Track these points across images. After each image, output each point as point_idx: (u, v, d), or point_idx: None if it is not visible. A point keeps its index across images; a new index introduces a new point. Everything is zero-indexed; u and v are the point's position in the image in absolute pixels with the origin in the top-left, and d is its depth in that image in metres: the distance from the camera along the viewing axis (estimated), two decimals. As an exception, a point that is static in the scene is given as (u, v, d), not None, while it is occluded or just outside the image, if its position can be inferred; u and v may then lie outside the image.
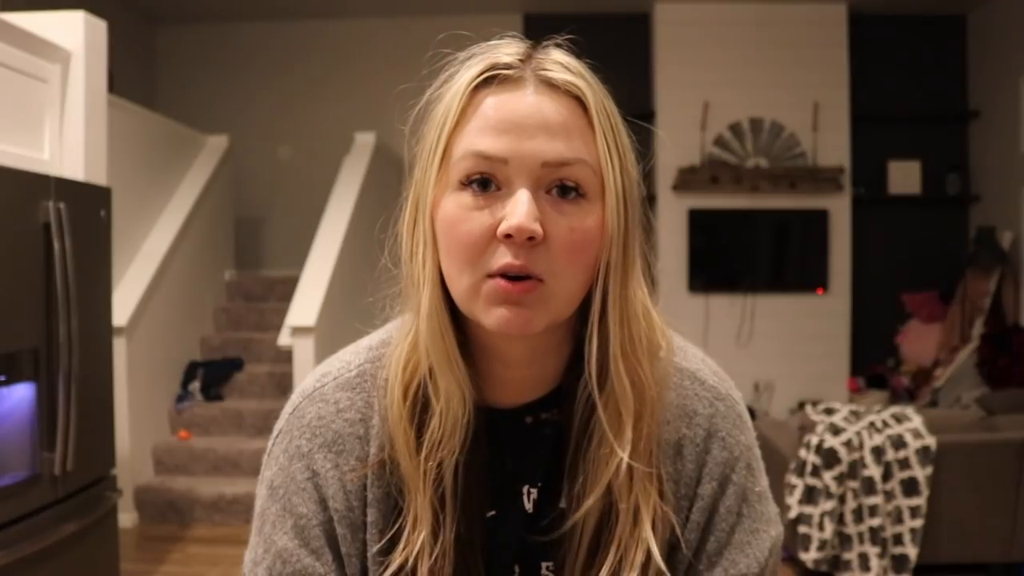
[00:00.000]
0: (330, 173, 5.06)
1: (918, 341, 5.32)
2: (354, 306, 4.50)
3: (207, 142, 5.44)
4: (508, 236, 0.64)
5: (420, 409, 0.72)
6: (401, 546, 0.71)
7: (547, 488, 0.75)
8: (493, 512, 0.75)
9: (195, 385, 4.80)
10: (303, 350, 4.02)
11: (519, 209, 0.64)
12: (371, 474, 0.74)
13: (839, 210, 5.34)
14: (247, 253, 5.99)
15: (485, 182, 0.66)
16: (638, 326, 0.70)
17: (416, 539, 0.70)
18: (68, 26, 2.81)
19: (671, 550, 0.73)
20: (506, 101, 0.66)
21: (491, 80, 0.67)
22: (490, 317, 0.66)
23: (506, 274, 0.65)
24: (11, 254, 2.33)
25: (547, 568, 0.75)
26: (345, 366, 0.78)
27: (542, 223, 0.65)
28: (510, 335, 0.67)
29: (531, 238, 0.64)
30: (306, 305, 4.10)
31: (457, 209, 0.66)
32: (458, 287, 0.68)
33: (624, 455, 0.68)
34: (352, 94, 5.74)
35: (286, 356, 4.59)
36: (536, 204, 0.65)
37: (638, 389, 0.69)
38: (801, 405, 5.05)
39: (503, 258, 0.65)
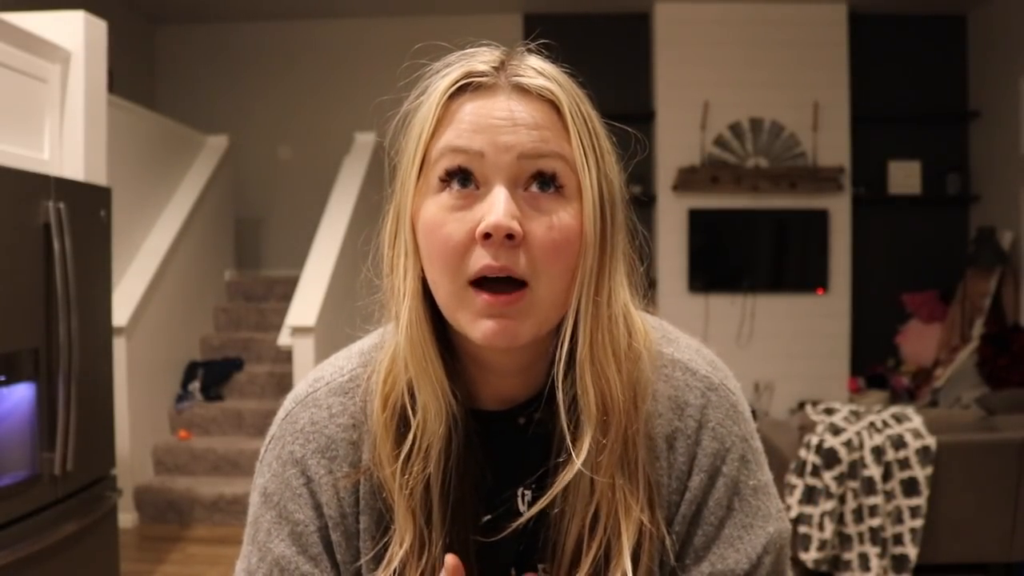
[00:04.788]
0: (330, 173, 5.07)
1: (918, 341, 5.32)
2: (354, 306, 4.49)
3: (207, 142, 5.44)
4: (487, 236, 0.63)
5: (400, 422, 0.72)
6: (385, 560, 0.71)
7: (541, 489, 0.73)
8: (488, 516, 0.74)
9: (195, 385, 4.80)
10: (303, 350, 4.02)
11: (496, 207, 0.63)
12: (363, 480, 0.73)
13: (839, 210, 5.34)
14: (247, 253, 6.00)
15: (464, 178, 0.65)
16: (613, 333, 0.68)
17: (397, 552, 0.70)
18: (68, 26, 2.81)
19: (660, 544, 0.72)
20: (481, 106, 0.66)
21: (466, 87, 0.67)
22: (476, 331, 0.66)
23: (487, 278, 0.64)
24: (11, 254, 2.33)
25: (543, 570, 0.74)
26: (338, 371, 0.78)
27: (521, 222, 0.64)
28: (497, 348, 0.66)
29: (511, 236, 0.63)
30: (306, 305, 4.10)
31: (437, 212, 0.66)
32: (442, 294, 0.67)
33: (578, 461, 0.67)
34: (352, 94, 5.74)
35: (286, 356, 4.59)
36: (514, 202, 0.65)
37: (604, 399, 0.68)
38: (801, 405, 5.05)
39: (482, 260, 0.64)
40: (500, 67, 0.68)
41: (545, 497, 0.69)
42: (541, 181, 0.66)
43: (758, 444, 0.76)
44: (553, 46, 0.72)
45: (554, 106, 0.67)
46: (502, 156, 0.65)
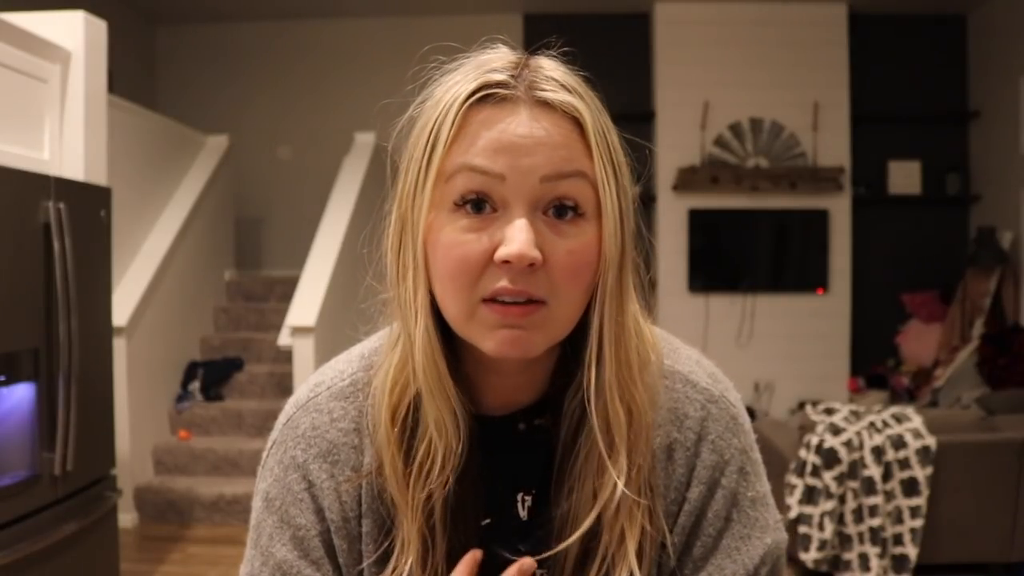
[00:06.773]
0: (330, 173, 5.07)
1: (918, 341, 5.32)
2: (354, 306, 4.49)
3: (207, 142, 5.44)
4: (507, 262, 0.62)
5: (409, 435, 0.71)
6: (390, 567, 0.71)
7: (541, 495, 0.73)
8: (488, 520, 0.74)
9: (195, 385, 4.80)
10: (303, 350, 4.02)
11: (518, 236, 0.62)
12: (365, 484, 0.73)
13: (839, 210, 5.34)
14: (247, 253, 6.00)
15: (480, 203, 0.64)
16: (631, 347, 0.68)
17: (404, 562, 0.70)
18: (68, 26, 2.81)
19: (659, 553, 0.72)
20: (502, 121, 0.64)
21: (485, 98, 0.64)
22: (489, 341, 0.65)
23: (502, 298, 0.63)
24: (11, 254, 2.33)
25: (543, 575, 0.74)
26: (338, 375, 0.78)
27: (540, 246, 0.63)
28: (509, 358, 0.66)
29: (531, 264, 0.62)
30: (306, 305, 4.10)
31: (452, 233, 0.64)
32: (452, 311, 0.66)
33: (621, 481, 0.67)
34: (352, 94, 5.74)
35: (286, 356, 4.59)
36: (534, 227, 0.63)
37: (633, 415, 0.68)
38: (801, 405, 5.05)
39: (499, 282, 0.63)
40: (518, 75, 0.65)
41: (581, 501, 0.69)
42: (559, 208, 0.64)
43: (757, 455, 0.76)
44: (576, 47, 0.71)
45: (577, 121, 0.65)
46: (524, 180, 0.63)
